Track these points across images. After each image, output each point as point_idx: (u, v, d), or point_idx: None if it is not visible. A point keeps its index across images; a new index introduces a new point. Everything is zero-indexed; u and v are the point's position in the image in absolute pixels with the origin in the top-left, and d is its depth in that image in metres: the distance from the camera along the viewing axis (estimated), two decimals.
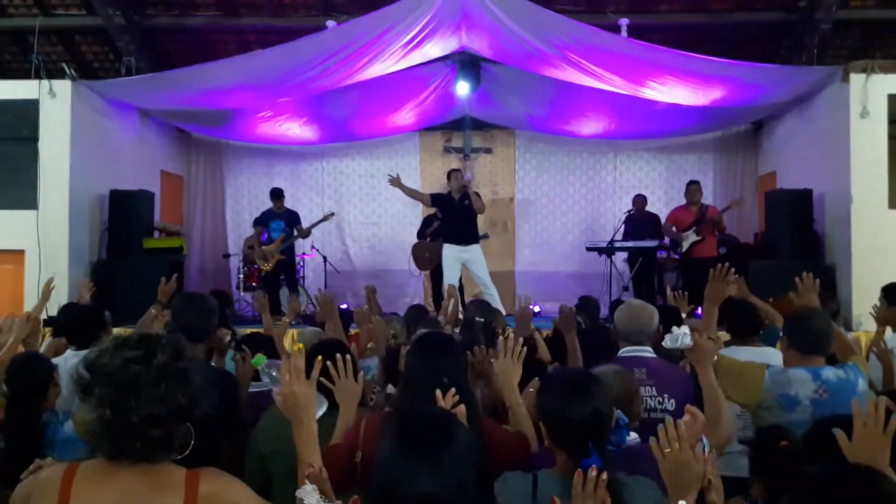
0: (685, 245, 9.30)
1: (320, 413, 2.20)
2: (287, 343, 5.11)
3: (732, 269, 3.59)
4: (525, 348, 3.01)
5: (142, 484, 1.87)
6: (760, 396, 3.30)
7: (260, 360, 2.28)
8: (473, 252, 8.99)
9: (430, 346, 2.92)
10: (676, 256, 9.79)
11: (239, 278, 10.31)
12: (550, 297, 10.27)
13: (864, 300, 7.39)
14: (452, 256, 9.02)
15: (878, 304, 5.22)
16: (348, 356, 2.94)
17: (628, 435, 2.53)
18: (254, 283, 10.02)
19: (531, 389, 3.05)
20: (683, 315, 4.47)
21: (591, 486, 1.87)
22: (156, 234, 9.84)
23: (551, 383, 2.42)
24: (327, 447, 2.82)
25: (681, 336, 3.00)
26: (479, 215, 9.06)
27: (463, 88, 10.26)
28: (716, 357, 3.31)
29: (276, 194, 10.18)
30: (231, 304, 6.32)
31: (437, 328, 4.17)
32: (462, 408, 2.35)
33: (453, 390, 2.44)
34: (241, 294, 10.28)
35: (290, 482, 2.66)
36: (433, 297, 10.24)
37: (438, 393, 2.43)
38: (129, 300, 6.95)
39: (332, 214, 10.36)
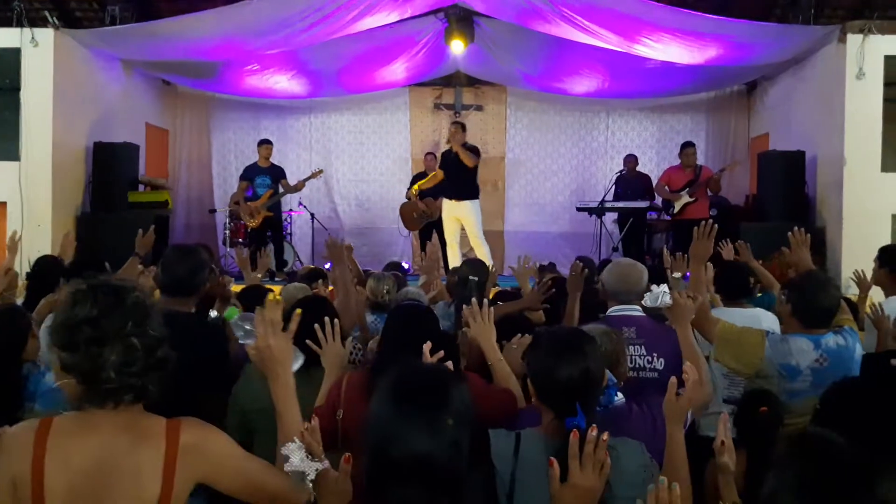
0: (677, 206, 9.23)
1: (296, 367, 2.12)
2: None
3: (716, 226, 3.52)
4: (492, 309, 3.02)
5: (121, 436, 1.84)
6: (759, 364, 3.25)
7: (232, 312, 2.18)
8: (464, 208, 8.85)
9: (407, 319, 2.93)
10: (667, 218, 9.73)
11: (225, 234, 10.20)
12: (540, 257, 10.09)
13: (854, 263, 7.27)
14: (446, 213, 8.99)
15: (861, 272, 5.18)
16: (336, 320, 2.93)
17: (616, 395, 2.48)
18: (240, 239, 9.91)
19: (514, 346, 3.02)
20: (677, 275, 4.41)
21: (591, 447, 1.79)
22: (141, 187, 9.71)
23: (543, 341, 2.35)
24: (313, 409, 2.79)
25: (660, 295, 2.97)
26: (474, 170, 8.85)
27: (458, 47, 10.07)
28: (717, 322, 3.28)
29: (263, 143, 9.95)
30: (212, 259, 6.21)
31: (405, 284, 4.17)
32: (449, 365, 2.30)
33: (429, 344, 2.39)
34: (228, 250, 10.18)
35: (273, 439, 2.63)
36: (421, 257, 10.17)
37: (425, 348, 2.38)
38: (114, 254, 6.82)
39: (321, 171, 10.20)
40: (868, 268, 5.12)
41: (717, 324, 3.35)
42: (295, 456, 1.85)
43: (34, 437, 1.82)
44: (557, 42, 9.62)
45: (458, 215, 8.91)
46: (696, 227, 3.56)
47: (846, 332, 3.31)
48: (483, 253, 8.61)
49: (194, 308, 3.46)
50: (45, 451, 1.81)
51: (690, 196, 9.16)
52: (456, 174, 8.82)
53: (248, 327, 2.12)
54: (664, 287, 2.97)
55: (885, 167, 8.37)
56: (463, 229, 9.01)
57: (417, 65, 10.90)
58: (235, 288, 4.57)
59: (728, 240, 5.44)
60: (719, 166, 10.01)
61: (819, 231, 8.63)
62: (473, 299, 2.99)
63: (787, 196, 8.94)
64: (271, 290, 4.36)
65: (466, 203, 8.85)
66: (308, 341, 2.83)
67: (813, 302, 3.30)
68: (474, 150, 8.81)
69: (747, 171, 10.93)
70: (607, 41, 9.24)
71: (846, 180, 8.33)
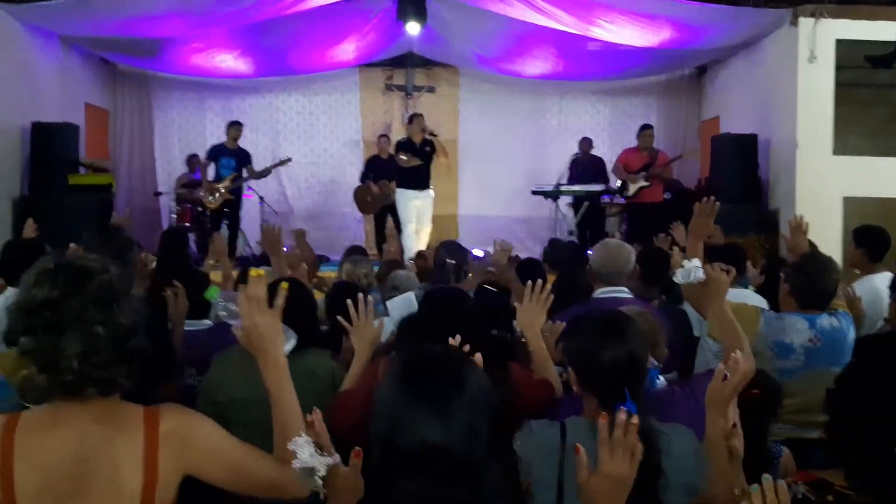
0: (632, 189, 9.22)
1: (289, 347, 1.95)
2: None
3: (718, 204, 3.45)
4: (552, 295, 2.88)
5: (94, 427, 1.70)
6: (752, 341, 3.20)
7: (213, 291, 1.96)
8: (427, 196, 9.13)
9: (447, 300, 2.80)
10: (622, 201, 9.72)
11: (172, 218, 9.85)
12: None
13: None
14: (408, 201, 9.01)
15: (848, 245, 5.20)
16: (370, 297, 2.80)
17: (658, 379, 2.39)
18: (187, 224, 9.59)
19: (546, 333, 2.89)
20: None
21: (621, 433, 1.66)
22: (82, 170, 9.29)
23: (581, 325, 2.24)
24: (339, 393, 2.64)
25: (693, 270, 2.84)
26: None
27: (413, 28, 9.85)
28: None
29: (233, 124, 9.68)
30: (187, 243, 5.98)
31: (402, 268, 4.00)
32: (479, 358, 2.17)
33: (458, 338, 2.24)
34: None
35: (247, 431, 2.46)
36: (376, 241, 10.00)
37: (451, 341, 2.23)
38: (56, 238, 6.50)
39: (290, 160, 9.93)
40: (822, 248, 5.14)
41: None
42: (303, 451, 1.69)
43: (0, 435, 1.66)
44: (510, 23, 9.51)
45: (418, 204, 9.06)
46: (697, 204, 3.47)
47: (841, 315, 3.31)
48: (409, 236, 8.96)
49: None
50: (13, 449, 1.65)
51: (646, 180, 9.14)
52: (424, 165, 9.02)
53: (232, 307, 1.94)
54: (696, 262, 2.86)
55: (837, 150, 8.50)
56: None
57: (368, 44, 10.67)
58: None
59: (680, 222, 5.42)
60: (671, 149, 10.08)
61: (772, 214, 8.76)
62: (539, 280, 2.85)
63: (741, 179, 9.00)
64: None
65: (428, 192, 9.16)
66: (339, 318, 2.71)
67: (813, 283, 3.30)
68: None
69: (698, 154, 11.00)
70: (562, 22, 9.17)
71: (798, 163, 8.43)
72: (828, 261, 3.44)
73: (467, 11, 9.65)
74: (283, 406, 1.85)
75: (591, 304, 3.36)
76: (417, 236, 9.15)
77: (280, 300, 1.87)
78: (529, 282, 2.86)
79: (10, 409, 1.93)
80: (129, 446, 1.70)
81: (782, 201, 8.68)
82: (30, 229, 5.18)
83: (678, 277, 2.91)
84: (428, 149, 8.89)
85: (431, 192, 9.21)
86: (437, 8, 9.88)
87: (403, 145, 9.09)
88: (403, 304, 3.33)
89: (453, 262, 3.86)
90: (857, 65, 8.66)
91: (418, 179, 9.02)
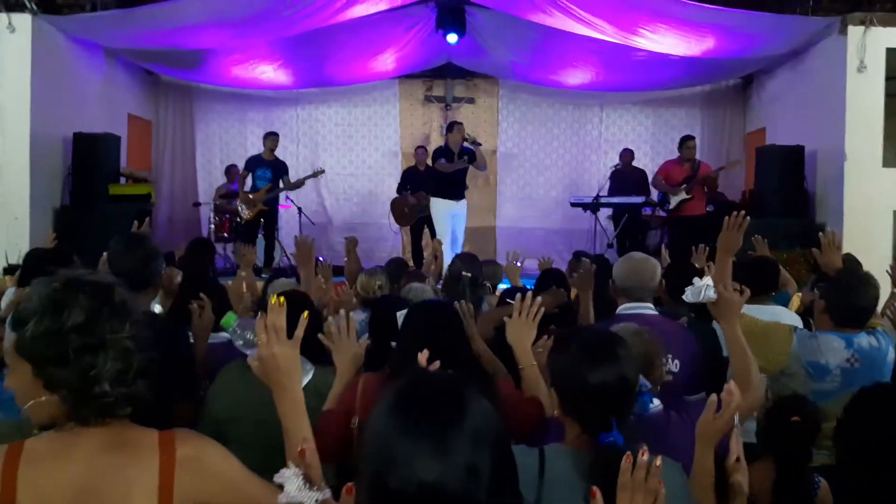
0: (673, 202, 9.01)
1: (307, 380, 1.84)
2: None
3: (748, 218, 3.29)
4: (542, 309, 2.74)
5: (105, 454, 1.61)
6: (785, 361, 3.04)
7: (230, 319, 1.87)
8: (462, 207, 8.97)
9: (430, 314, 2.67)
10: (663, 214, 9.53)
11: (210, 228, 9.91)
12: (532, 253, 9.93)
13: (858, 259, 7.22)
14: (445, 211, 8.86)
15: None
16: (352, 314, 2.68)
17: (651, 402, 2.24)
18: (225, 234, 9.63)
19: (539, 349, 2.77)
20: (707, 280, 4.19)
21: (642, 474, 1.51)
22: (122, 180, 9.41)
23: (568, 344, 2.07)
24: (321, 414, 2.55)
25: (703, 289, 2.67)
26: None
27: (452, 38, 9.83)
28: (742, 317, 3.03)
29: (269, 135, 9.67)
30: (214, 254, 5.98)
31: (421, 279, 3.91)
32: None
33: (426, 352, 2.13)
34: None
35: (247, 450, 2.39)
36: (412, 252, 9.93)
37: (420, 356, 2.11)
38: (94, 248, 6.56)
39: (323, 171, 9.95)
40: (870, 265, 4.92)
41: (742, 317, 3.13)
42: (291, 484, 1.58)
43: (1, 466, 1.57)
44: (551, 33, 9.41)
45: (455, 213, 8.92)
46: (726, 217, 3.32)
47: (879, 334, 3.12)
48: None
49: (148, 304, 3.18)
50: (16, 482, 1.56)
51: (687, 193, 8.93)
52: (461, 173, 8.86)
53: (248, 336, 1.83)
54: (707, 280, 2.70)
55: (887, 162, 8.22)
56: None
57: (407, 56, 10.66)
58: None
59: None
60: (714, 161, 9.84)
61: (819, 227, 8.43)
62: (528, 293, 2.74)
63: (786, 191, 8.76)
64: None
65: (464, 203, 9.01)
66: (321, 336, 2.60)
67: (849, 299, 3.11)
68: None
69: (744, 166, 10.75)
70: (603, 32, 9.04)
71: (847, 176, 8.15)
72: (865, 276, 3.26)
73: (507, 21, 9.58)
74: (296, 441, 1.73)
75: (614, 320, 3.22)
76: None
77: (300, 331, 1.78)
78: (519, 295, 2.74)
79: (18, 424, 1.87)
80: (144, 474, 1.61)
81: (829, 215, 8.40)
82: (49, 240, 5.20)
83: (687, 296, 2.75)
84: (465, 157, 8.73)
85: (464, 202, 9.04)
86: (476, 18, 9.85)
87: (441, 153, 8.96)
88: None
89: (469, 274, 3.75)
90: None
91: (455, 189, 8.87)
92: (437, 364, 2.07)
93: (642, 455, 1.51)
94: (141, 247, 3.02)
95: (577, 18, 8.77)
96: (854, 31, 8.13)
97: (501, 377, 2.74)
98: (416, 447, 1.24)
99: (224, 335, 3.56)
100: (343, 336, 2.63)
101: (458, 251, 8.41)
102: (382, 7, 9.21)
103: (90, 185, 8.71)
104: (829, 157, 8.45)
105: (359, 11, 9.09)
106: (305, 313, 1.82)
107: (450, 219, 8.90)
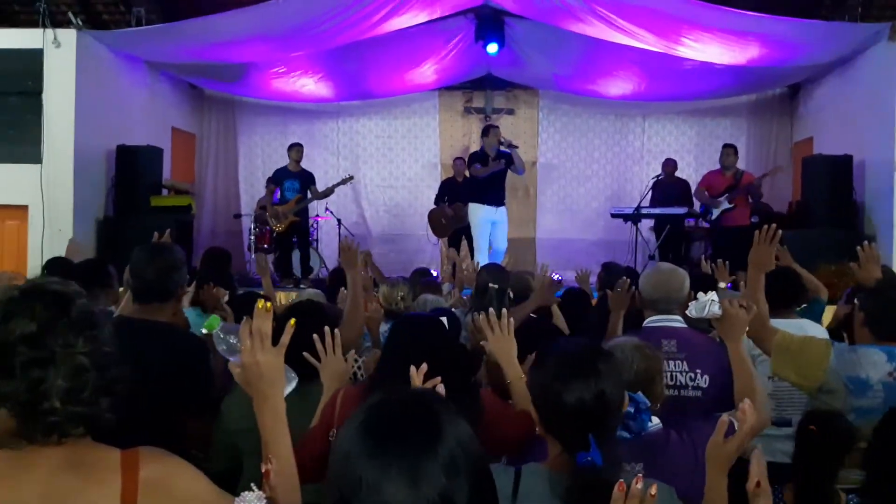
0: (715, 212, 8.83)
1: (289, 389, 1.79)
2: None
3: (779, 232, 3.16)
4: (511, 320, 2.65)
5: (63, 476, 1.51)
6: (823, 377, 2.89)
7: (214, 322, 1.80)
8: (502, 214, 8.78)
9: (414, 328, 2.58)
10: (705, 225, 9.34)
11: (250, 239, 9.99)
12: (572, 265, 9.84)
13: None
14: (483, 217, 8.71)
15: None
16: (336, 330, 2.62)
17: (650, 420, 2.14)
18: (265, 245, 9.70)
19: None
20: (721, 284, 4.06)
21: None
22: (164, 192, 9.54)
23: (548, 358, 1.96)
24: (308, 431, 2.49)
25: (708, 304, 2.56)
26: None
27: (492, 48, 9.80)
28: (775, 332, 2.92)
29: (293, 146, 9.71)
30: (229, 264, 6.00)
31: (437, 291, 3.84)
32: (441, 389, 1.98)
33: (425, 366, 2.04)
34: (253, 256, 9.97)
35: (260, 461, 2.37)
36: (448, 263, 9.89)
37: (413, 370, 2.03)
38: None
39: (352, 178, 9.97)
40: None
41: (775, 334, 2.99)
42: None
43: None
44: (591, 42, 9.33)
45: (494, 221, 8.74)
46: (757, 232, 3.20)
47: None
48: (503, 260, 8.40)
49: (170, 316, 3.13)
50: None
51: (730, 202, 8.75)
52: (499, 178, 8.71)
53: (232, 341, 1.75)
54: (712, 295, 2.58)
55: None
56: None
57: (447, 67, 10.65)
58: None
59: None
60: (760, 172, 9.61)
61: (868, 239, 8.15)
62: (491, 309, 2.66)
63: (834, 202, 8.53)
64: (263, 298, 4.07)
65: (504, 209, 8.82)
66: (306, 354, 2.54)
67: (891, 311, 2.95)
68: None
69: (790, 176, 10.50)
70: (644, 41, 8.91)
71: None
72: None
73: (546, 32, 9.51)
74: (274, 454, 1.68)
75: (641, 333, 3.11)
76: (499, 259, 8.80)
77: (286, 338, 1.72)
78: (492, 310, 2.64)
79: None
80: (103, 497, 1.51)
81: (879, 226, 8.14)
82: (72, 248, 5.22)
83: (691, 312, 2.63)
84: (502, 161, 8.60)
85: (504, 209, 8.83)
86: (515, 29, 9.80)
87: (477, 157, 8.86)
88: None
89: (496, 286, 3.67)
90: None
91: (493, 194, 8.69)
92: (437, 381, 1.99)
93: (636, 483, 1.42)
94: (162, 257, 2.99)
95: (618, 28, 8.66)
96: None
97: (488, 391, 2.64)
98: (386, 472, 1.15)
99: None
100: (329, 352, 2.56)
101: (500, 260, 8.29)
102: (422, 19, 9.22)
103: (132, 196, 8.86)
104: (879, 167, 8.20)
105: (398, 24, 9.10)
106: (292, 321, 1.77)
107: (488, 226, 8.75)
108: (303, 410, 2.45)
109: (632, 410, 2.06)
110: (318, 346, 2.55)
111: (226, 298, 4.15)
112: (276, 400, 1.71)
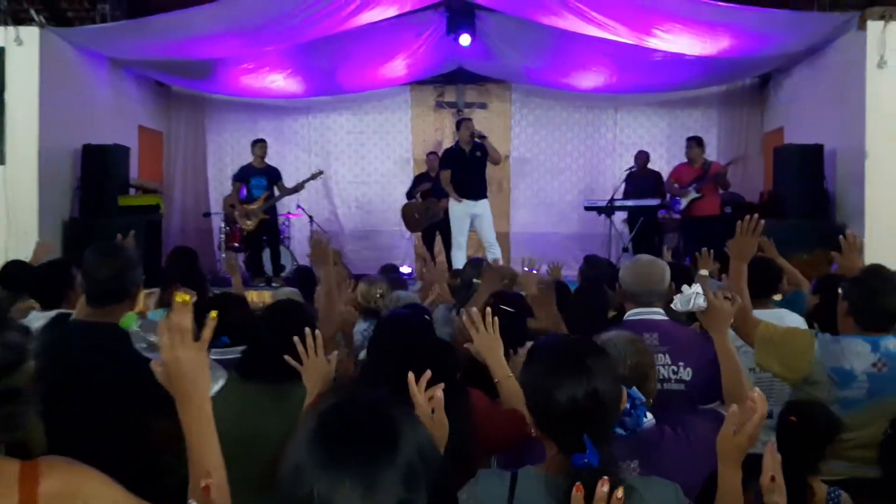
0: (683, 202, 8.86)
1: (217, 388, 1.69)
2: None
3: (762, 222, 3.13)
4: (496, 318, 2.59)
5: None
6: (809, 368, 2.87)
7: (130, 319, 1.68)
8: (483, 207, 8.66)
9: (401, 328, 2.52)
10: (677, 216, 9.37)
11: (220, 238, 9.85)
12: (547, 259, 9.80)
13: (878, 260, 7.00)
14: (461, 212, 8.62)
15: None
16: (317, 331, 2.53)
17: (645, 416, 2.09)
18: (235, 244, 9.57)
19: (522, 358, 2.63)
20: (703, 272, 4.03)
21: None
22: (132, 191, 9.37)
23: (538, 355, 1.89)
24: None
25: (693, 296, 2.51)
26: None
27: (465, 40, 9.74)
28: (758, 323, 2.89)
29: (257, 142, 9.59)
30: (197, 262, 5.88)
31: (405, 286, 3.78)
32: (439, 395, 1.92)
33: (428, 373, 1.97)
34: (223, 255, 9.85)
35: (239, 465, 2.28)
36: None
37: (411, 376, 1.96)
38: None
39: (321, 173, 9.86)
40: (894, 265, 4.73)
41: (758, 325, 2.96)
42: None
43: None
44: (563, 35, 9.30)
45: (473, 215, 8.64)
46: (739, 221, 3.17)
47: None
48: (497, 253, 8.30)
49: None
50: None
51: (697, 192, 8.79)
52: (476, 171, 8.59)
53: (151, 338, 1.65)
54: (696, 287, 2.53)
55: None
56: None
57: (418, 62, 10.57)
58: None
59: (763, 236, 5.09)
60: (728, 161, 9.67)
61: (839, 227, 8.22)
62: (473, 308, 2.59)
63: (805, 192, 8.55)
64: (242, 297, 3.97)
65: (484, 202, 8.70)
66: (287, 357, 2.46)
67: (875, 301, 2.92)
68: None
69: (761, 166, 10.55)
70: (616, 33, 8.90)
71: (868, 174, 7.91)
72: (891, 275, 3.08)
73: (517, 25, 9.48)
74: (200, 460, 1.57)
75: (622, 327, 3.07)
76: (487, 253, 8.60)
77: (207, 332, 1.61)
78: (474, 309, 2.59)
79: None
80: None
81: (851, 214, 8.18)
82: (40, 251, 5.13)
83: (676, 305, 2.59)
84: (479, 154, 8.52)
85: (484, 202, 8.72)
86: (486, 22, 9.75)
87: (452, 154, 8.81)
88: None
89: (479, 281, 3.62)
90: None
91: (472, 187, 8.60)
92: (438, 390, 1.92)
93: (602, 486, 1.36)
94: (115, 257, 2.86)
95: (590, 20, 8.64)
96: (873, 27, 7.91)
97: (478, 390, 2.58)
98: (339, 484, 1.08)
99: (219, 351, 3.43)
100: (311, 354, 2.47)
101: (495, 254, 8.21)
102: (392, 13, 9.14)
103: (99, 196, 8.69)
104: (850, 156, 8.23)
105: (368, 18, 9.01)
106: (214, 313, 1.65)
107: (467, 220, 8.67)
108: (281, 414, 2.38)
109: (627, 406, 2.01)
110: (300, 347, 2.46)
111: (193, 299, 4.03)
112: (200, 400, 1.59)
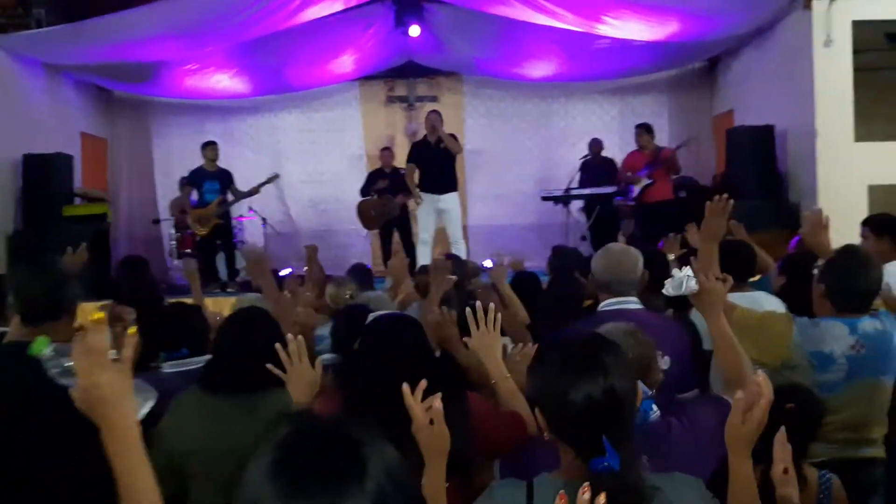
0: (637, 189, 8.87)
1: (144, 411, 1.55)
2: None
3: (731, 202, 3.08)
4: (499, 315, 2.51)
5: None
6: (788, 354, 2.83)
7: (41, 344, 1.51)
8: (451, 201, 8.56)
9: (390, 331, 2.41)
10: (632, 203, 9.38)
11: (171, 245, 9.59)
12: (507, 252, 9.76)
13: (832, 238, 7.09)
14: (426, 207, 8.52)
15: (863, 239, 4.80)
16: (300, 337, 2.39)
17: (651, 410, 2.01)
18: (188, 250, 9.32)
19: (517, 358, 2.54)
20: (670, 257, 3.98)
21: None
22: (77, 200, 9.08)
23: (548, 354, 1.76)
24: None
25: (684, 280, 2.44)
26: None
27: (414, 30, 9.62)
28: (734, 308, 2.83)
29: (207, 145, 9.35)
30: (147, 271, 5.68)
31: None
32: (438, 405, 1.82)
33: (424, 383, 1.88)
34: (175, 262, 9.59)
35: (206, 484, 2.15)
36: (383, 257, 9.67)
37: (406, 389, 1.87)
38: None
39: (277, 176, 9.67)
40: (847, 242, 4.75)
41: (733, 310, 2.91)
42: None
43: None
44: (512, 24, 9.24)
45: (440, 209, 8.54)
46: (708, 203, 3.11)
47: (884, 316, 2.91)
48: (461, 250, 8.22)
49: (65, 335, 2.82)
50: None
51: (649, 178, 8.81)
52: (441, 165, 8.46)
53: (66, 364, 1.49)
54: (688, 270, 2.46)
55: (859, 137, 8.08)
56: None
57: (366, 56, 10.41)
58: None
59: (694, 223, 5.05)
60: (676, 145, 9.71)
61: (793, 207, 8.34)
62: (478, 303, 2.50)
63: (758, 173, 8.61)
64: (198, 307, 3.81)
65: (452, 196, 8.59)
66: (269, 366, 2.33)
67: (851, 283, 2.90)
68: (454, 138, 8.55)
69: (713, 149, 10.62)
70: (566, 21, 8.87)
71: (819, 153, 8.01)
72: (866, 256, 3.05)
73: (466, 15, 9.39)
74: (135, 497, 1.41)
75: (596, 318, 3.00)
76: (452, 249, 8.47)
77: (128, 351, 1.47)
78: (479, 304, 2.50)
79: None
80: None
81: (803, 194, 8.27)
82: None
83: (668, 290, 2.51)
84: (442, 146, 8.41)
85: (452, 195, 8.61)
86: (434, 14, 9.63)
87: (417, 147, 8.77)
88: None
89: (454, 277, 3.53)
90: (876, 47, 8.28)
91: (437, 180, 8.48)
92: (437, 401, 1.83)
93: (583, 494, 1.28)
94: (48, 271, 2.65)
95: (538, 8, 8.60)
96: (819, 6, 7.98)
97: (475, 393, 2.49)
98: None
99: (179, 363, 3.27)
100: (295, 362, 2.35)
101: (459, 251, 8.11)
102: (338, 7, 8.99)
103: (43, 207, 8.42)
104: (800, 136, 8.32)
105: (314, 13, 8.85)
106: (133, 328, 1.52)
107: (431, 214, 8.57)
108: (255, 427, 2.26)
109: None
110: (282, 355, 2.32)
111: (133, 316, 3.83)
112: (124, 425, 1.44)
